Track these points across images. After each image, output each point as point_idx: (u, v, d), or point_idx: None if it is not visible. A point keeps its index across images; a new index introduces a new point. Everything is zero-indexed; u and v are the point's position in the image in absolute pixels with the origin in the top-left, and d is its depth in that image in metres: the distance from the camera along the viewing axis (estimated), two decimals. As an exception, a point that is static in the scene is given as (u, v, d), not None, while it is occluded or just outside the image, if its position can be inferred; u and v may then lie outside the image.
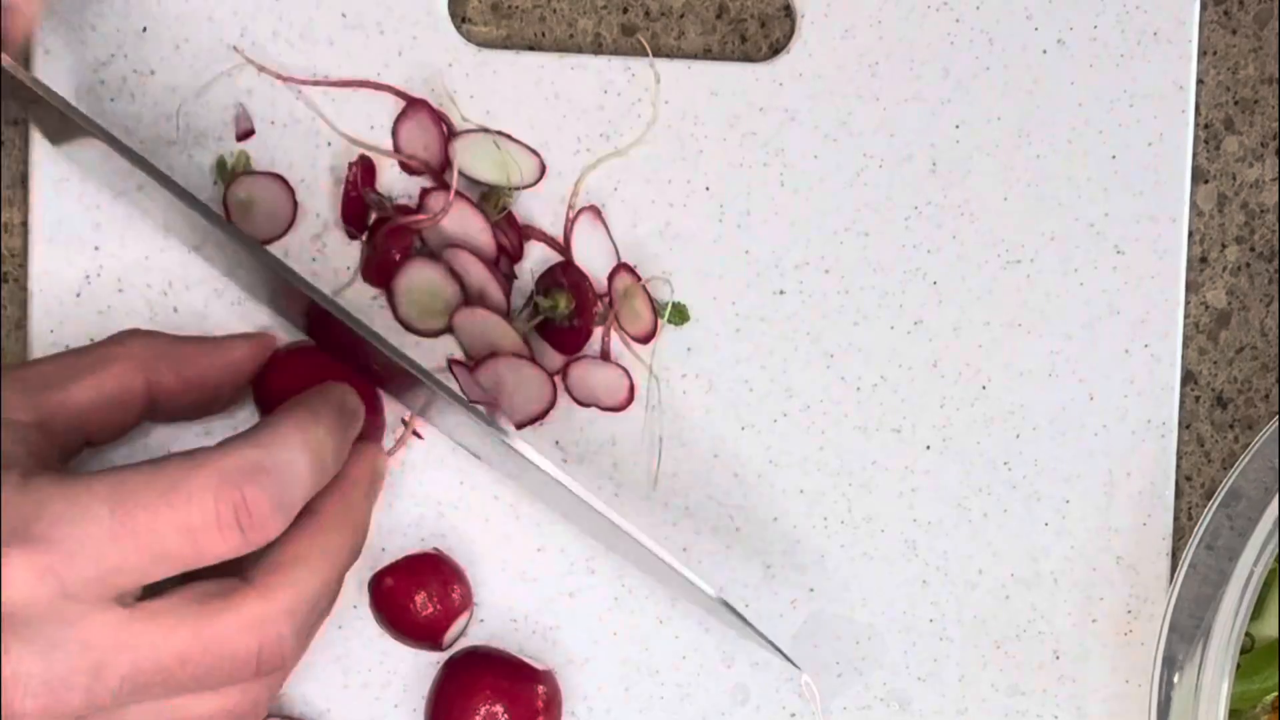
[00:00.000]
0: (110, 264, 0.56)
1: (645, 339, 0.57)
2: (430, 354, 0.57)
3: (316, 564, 0.50)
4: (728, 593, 0.57)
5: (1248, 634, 0.56)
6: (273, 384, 0.54)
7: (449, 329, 0.56)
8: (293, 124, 0.57)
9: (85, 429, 0.51)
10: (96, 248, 0.56)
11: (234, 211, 0.56)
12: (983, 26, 0.57)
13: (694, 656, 0.57)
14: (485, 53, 0.57)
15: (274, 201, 0.56)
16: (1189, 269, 0.58)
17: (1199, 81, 0.58)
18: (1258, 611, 0.56)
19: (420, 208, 0.56)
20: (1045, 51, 0.57)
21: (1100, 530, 0.58)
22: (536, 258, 0.57)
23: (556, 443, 0.57)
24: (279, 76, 0.57)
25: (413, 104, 0.56)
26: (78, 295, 0.56)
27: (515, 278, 0.57)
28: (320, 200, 0.57)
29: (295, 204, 0.57)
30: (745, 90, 0.57)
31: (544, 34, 0.58)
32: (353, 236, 0.56)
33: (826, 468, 0.57)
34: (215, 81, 0.57)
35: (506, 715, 0.55)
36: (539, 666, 0.56)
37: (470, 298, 0.56)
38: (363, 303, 0.57)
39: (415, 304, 0.56)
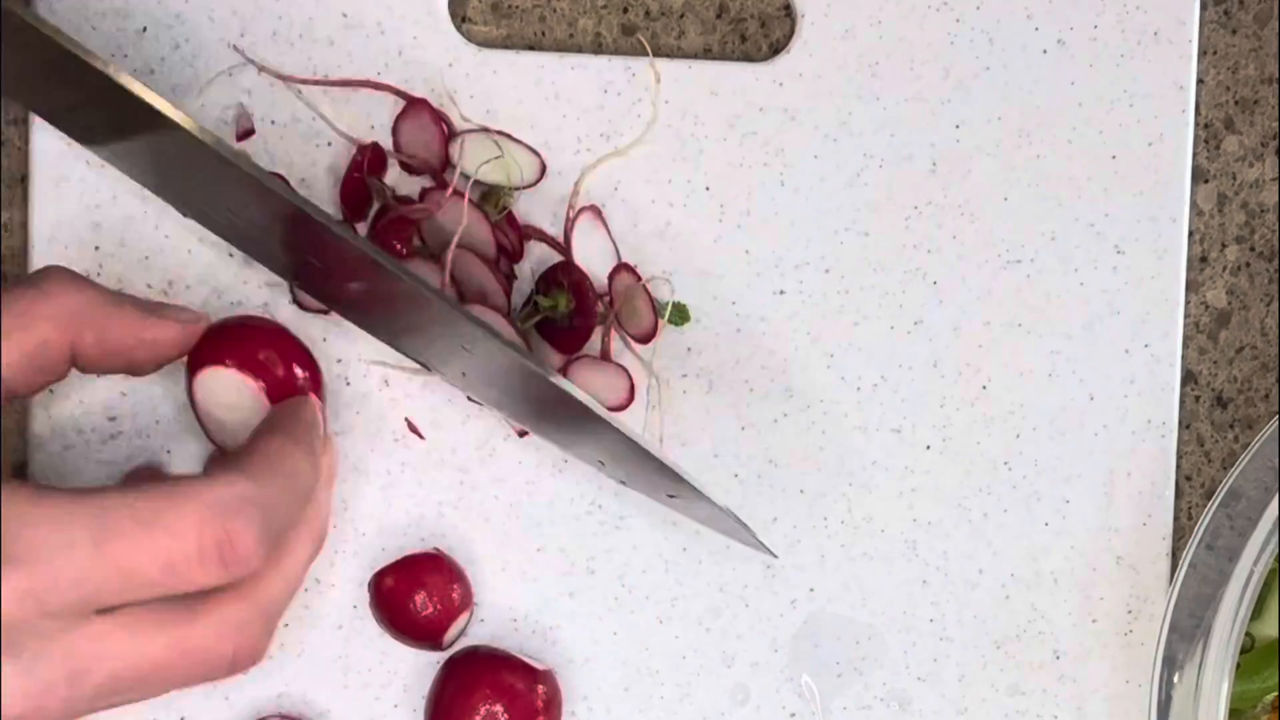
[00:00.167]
0: (110, 264, 0.56)
1: (645, 339, 0.57)
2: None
3: (285, 567, 0.51)
4: (727, 592, 0.57)
5: (1248, 634, 0.56)
6: (203, 357, 0.54)
7: (449, 329, 0.56)
8: (293, 124, 0.57)
9: (10, 386, 0.51)
10: (96, 248, 0.56)
11: (234, 211, 0.56)
12: (983, 26, 0.57)
13: (694, 656, 0.57)
14: (485, 53, 0.57)
15: (274, 201, 0.56)
16: (1189, 269, 0.58)
17: (1199, 81, 0.58)
18: (1258, 611, 0.56)
19: (420, 208, 0.56)
20: (1045, 51, 0.57)
21: (1100, 530, 0.58)
22: (536, 258, 0.57)
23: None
24: (279, 76, 0.57)
25: (413, 104, 0.56)
26: (78, 295, 0.56)
27: (515, 278, 0.57)
28: (320, 200, 0.57)
29: (295, 204, 0.57)
30: (745, 90, 0.57)
31: (544, 34, 0.58)
32: (347, 219, 0.56)
33: (826, 468, 0.57)
34: (215, 81, 0.57)
35: (506, 715, 0.55)
36: (539, 666, 0.56)
37: (470, 297, 0.56)
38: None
39: (415, 304, 0.56)
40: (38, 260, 0.56)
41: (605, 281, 0.57)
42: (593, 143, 0.57)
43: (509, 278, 0.57)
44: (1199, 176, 0.58)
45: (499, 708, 0.55)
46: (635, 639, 0.57)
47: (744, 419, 0.57)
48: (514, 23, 0.58)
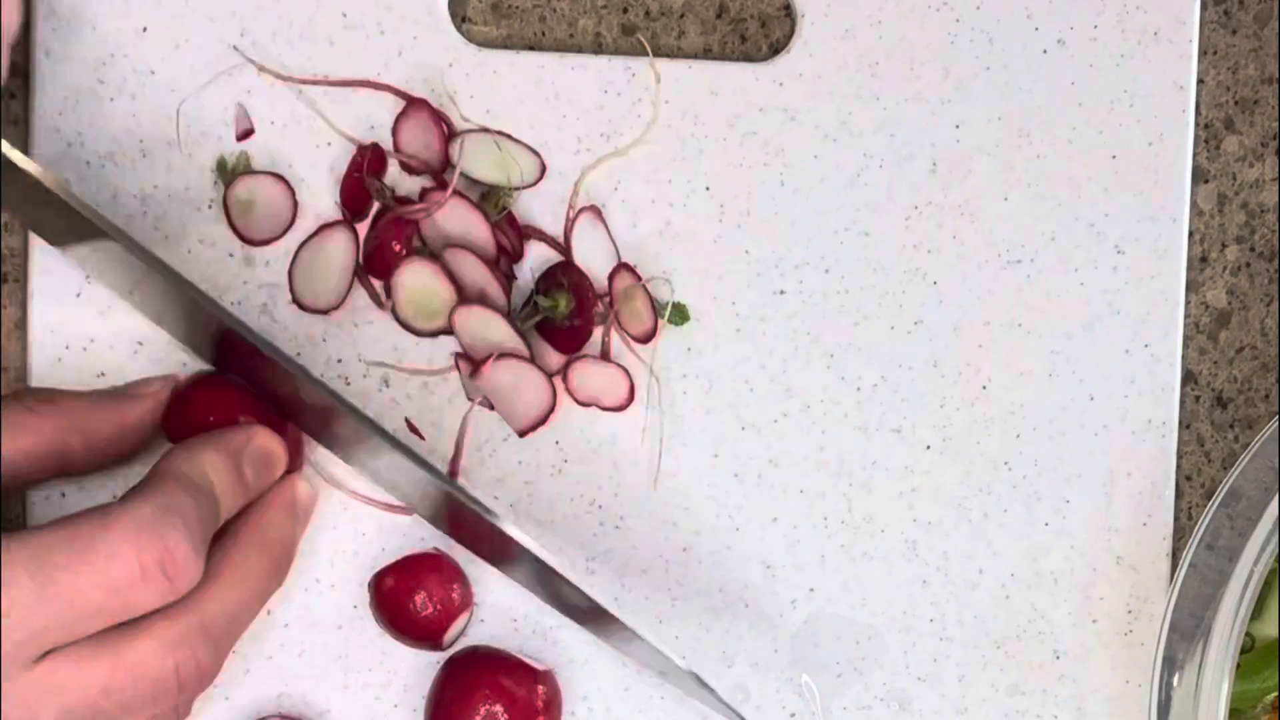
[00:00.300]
0: (110, 264, 0.56)
1: (645, 339, 0.57)
2: (430, 354, 0.57)
3: (229, 580, 0.51)
4: (727, 592, 0.57)
5: (1248, 634, 0.56)
6: (179, 421, 0.54)
7: (449, 329, 0.56)
8: (293, 124, 0.57)
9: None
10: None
11: (234, 211, 0.56)
12: (983, 26, 0.57)
13: (694, 656, 0.57)
14: (485, 53, 0.57)
15: (274, 201, 0.56)
16: (1189, 269, 0.58)
17: (1199, 81, 0.58)
18: (1258, 611, 0.56)
19: (420, 208, 0.56)
20: (1045, 51, 0.57)
21: (1100, 530, 0.58)
22: (536, 258, 0.57)
23: (557, 443, 0.57)
24: (279, 76, 0.57)
25: (413, 104, 0.56)
26: (78, 295, 0.56)
27: (515, 278, 0.57)
28: (321, 200, 0.57)
29: (295, 204, 0.57)
30: (745, 90, 0.57)
31: (544, 34, 0.58)
32: (347, 219, 0.56)
33: (826, 468, 0.57)
34: (215, 81, 0.57)
35: (506, 715, 0.55)
36: (539, 666, 0.56)
37: (470, 297, 0.56)
38: (359, 303, 0.57)
39: (412, 303, 0.56)
40: (38, 260, 0.56)
41: (605, 281, 0.57)
42: (593, 143, 0.57)
43: (509, 278, 0.57)
44: (1199, 176, 0.58)
45: (499, 708, 0.55)
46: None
47: (744, 419, 0.57)
48: (514, 23, 0.58)
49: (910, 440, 0.57)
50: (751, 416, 0.57)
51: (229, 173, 0.56)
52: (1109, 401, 0.57)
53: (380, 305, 0.57)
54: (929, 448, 0.57)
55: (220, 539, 0.52)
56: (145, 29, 0.56)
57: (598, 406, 0.57)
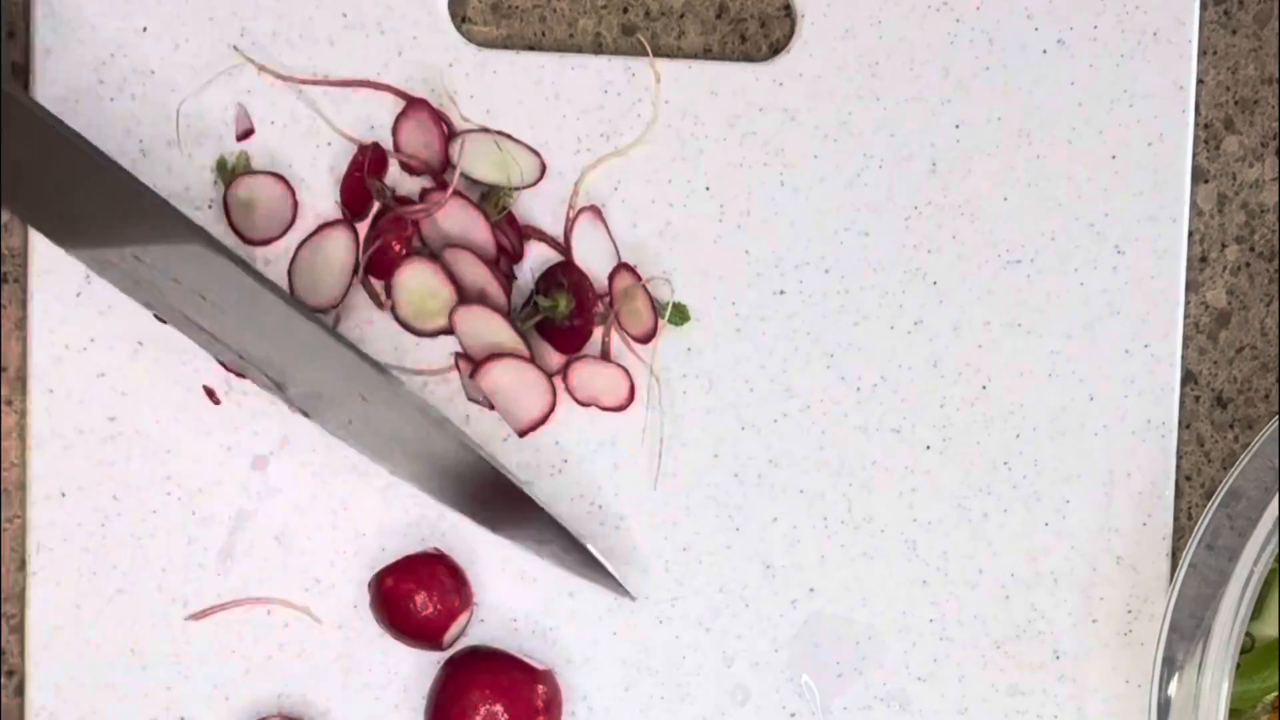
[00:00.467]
0: (110, 264, 0.56)
1: (645, 339, 0.57)
2: (430, 354, 0.57)
3: None
4: (727, 592, 0.57)
5: (1248, 634, 0.56)
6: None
7: (449, 329, 0.56)
8: (293, 124, 0.57)
9: None
10: (96, 248, 0.56)
11: (234, 211, 0.56)
12: (983, 26, 0.57)
13: (694, 656, 0.57)
14: (485, 53, 0.57)
15: (274, 201, 0.57)
16: (1189, 269, 0.58)
17: (1199, 81, 0.58)
18: (1258, 611, 0.56)
19: (420, 208, 0.56)
20: (1045, 51, 0.57)
21: (1100, 530, 0.58)
22: (536, 258, 0.57)
23: (556, 443, 0.57)
24: (279, 76, 0.57)
25: (413, 104, 0.56)
26: (78, 295, 0.56)
27: (515, 278, 0.57)
28: (321, 200, 0.57)
29: (295, 204, 0.57)
30: (745, 90, 0.57)
31: (544, 34, 0.58)
32: (347, 219, 0.56)
33: (826, 468, 0.57)
34: (215, 81, 0.57)
35: (506, 715, 0.55)
36: (539, 666, 0.56)
37: (470, 297, 0.56)
38: (356, 301, 0.57)
39: (412, 303, 0.56)
40: (38, 260, 0.56)
41: (605, 281, 0.57)
42: (593, 143, 0.57)
43: (509, 278, 0.57)
44: (1199, 176, 0.58)
45: (499, 708, 0.55)
46: (635, 639, 0.57)
47: (744, 419, 0.57)
48: (514, 23, 0.58)
49: (910, 440, 0.57)
50: (751, 416, 0.57)
51: (229, 173, 0.56)
52: (1109, 402, 0.57)
53: (380, 305, 0.57)
54: (929, 448, 0.57)
55: None
56: (145, 29, 0.56)
57: (598, 406, 0.57)
